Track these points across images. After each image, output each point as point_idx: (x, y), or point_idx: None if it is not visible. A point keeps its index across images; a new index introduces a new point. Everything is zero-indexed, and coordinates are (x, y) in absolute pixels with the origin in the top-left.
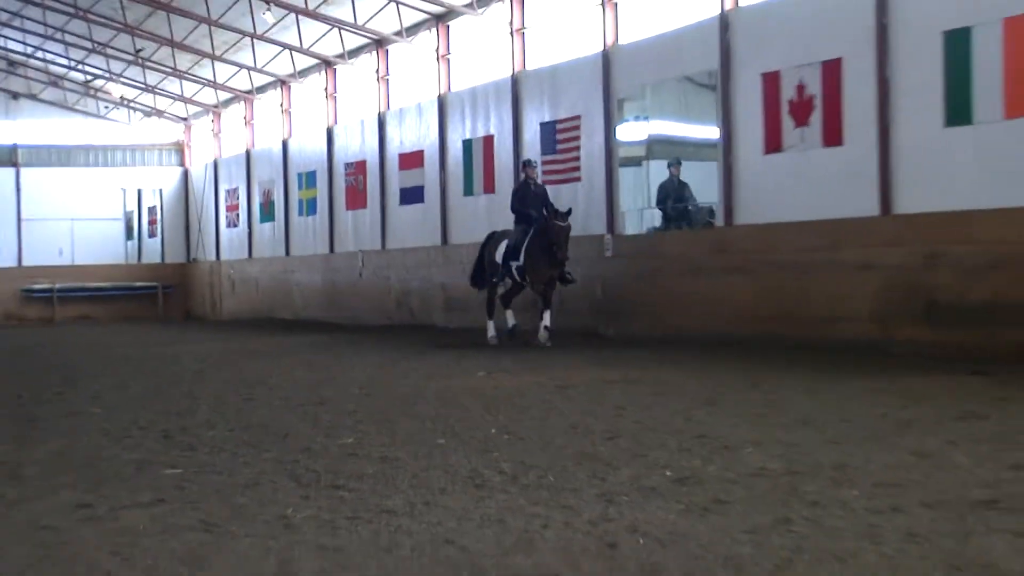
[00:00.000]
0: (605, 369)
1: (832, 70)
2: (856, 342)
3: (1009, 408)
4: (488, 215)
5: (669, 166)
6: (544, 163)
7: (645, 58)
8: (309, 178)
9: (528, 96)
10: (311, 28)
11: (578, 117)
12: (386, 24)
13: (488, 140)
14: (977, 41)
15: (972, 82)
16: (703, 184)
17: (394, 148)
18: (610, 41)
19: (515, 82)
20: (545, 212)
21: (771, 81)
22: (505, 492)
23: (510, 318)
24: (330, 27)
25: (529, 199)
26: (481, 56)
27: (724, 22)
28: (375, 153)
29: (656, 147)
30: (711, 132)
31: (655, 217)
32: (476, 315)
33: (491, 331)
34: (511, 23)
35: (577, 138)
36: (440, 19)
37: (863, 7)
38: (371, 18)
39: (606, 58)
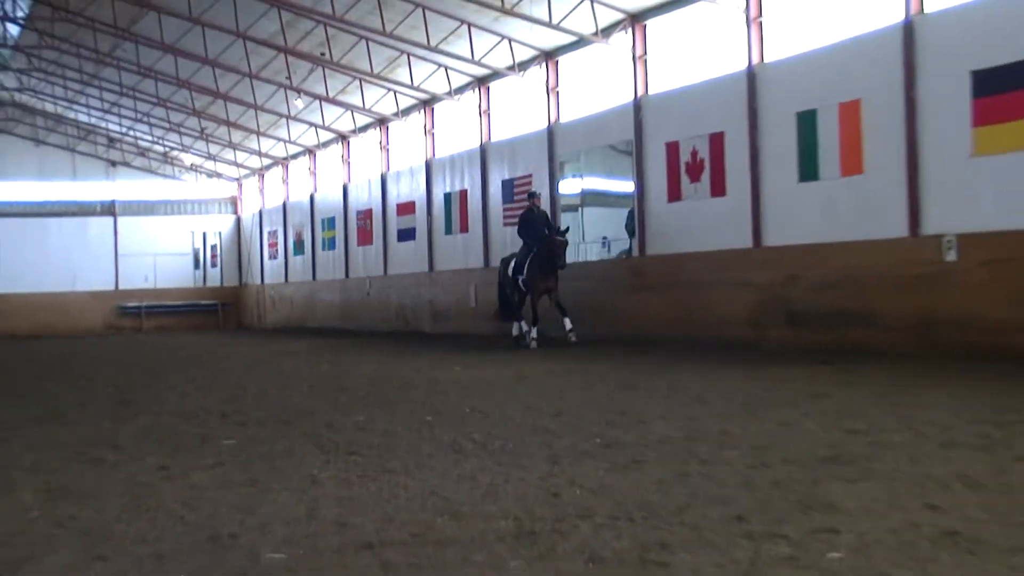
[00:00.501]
0: (552, 363)
1: (717, 140)
2: (736, 341)
3: (848, 389)
4: (464, 249)
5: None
6: (505, 210)
7: (580, 132)
8: (330, 222)
9: (493, 160)
10: (330, 110)
11: (530, 175)
12: (386, 107)
13: (463, 193)
14: (821, 120)
15: (818, 149)
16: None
17: (393, 199)
18: (553, 119)
19: (483, 150)
20: (547, 232)
21: (672, 148)
22: (476, 456)
23: (515, 329)
24: (344, 110)
25: (533, 222)
26: (458, 131)
27: (638, 105)
28: (379, 203)
29: (588, 197)
30: (628, 186)
31: (590, 250)
32: (456, 324)
33: (533, 334)
34: (479, 106)
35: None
36: (427, 103)
37: (738, 94)
38: (375, 103)
39: (551, 132)
